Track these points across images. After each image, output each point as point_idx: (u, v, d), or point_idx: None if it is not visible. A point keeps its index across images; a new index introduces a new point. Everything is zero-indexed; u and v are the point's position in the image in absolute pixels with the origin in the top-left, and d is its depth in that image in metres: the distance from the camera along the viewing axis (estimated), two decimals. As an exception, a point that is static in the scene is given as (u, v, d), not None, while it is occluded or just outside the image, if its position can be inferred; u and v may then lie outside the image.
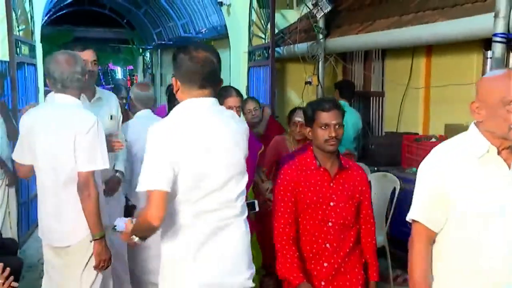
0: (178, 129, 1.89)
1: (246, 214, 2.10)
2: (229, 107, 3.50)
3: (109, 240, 2.59)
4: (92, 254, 2.51)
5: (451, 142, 1.90)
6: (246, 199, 2.17)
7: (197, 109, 1.95)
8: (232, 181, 1.99)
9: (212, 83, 1.97)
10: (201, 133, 1.92)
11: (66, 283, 2.57)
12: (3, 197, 4.29)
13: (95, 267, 2.50)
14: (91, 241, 2.48)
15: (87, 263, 2.53)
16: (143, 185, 1.84)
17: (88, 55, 2.91)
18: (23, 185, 4.90)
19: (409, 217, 1.86)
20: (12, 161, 4.40)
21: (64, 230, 2.54)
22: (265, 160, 3.81)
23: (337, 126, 2.37)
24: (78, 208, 2.45)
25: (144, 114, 3.45)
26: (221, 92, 3.67)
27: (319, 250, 2.36)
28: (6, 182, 4.28)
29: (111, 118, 3.07)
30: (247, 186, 2.19)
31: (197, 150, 1.90)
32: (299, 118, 3.69)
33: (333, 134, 2.34)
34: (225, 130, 1.99)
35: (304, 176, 2.38)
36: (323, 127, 2.35)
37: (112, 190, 3.03)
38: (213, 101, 2.00)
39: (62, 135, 2.44)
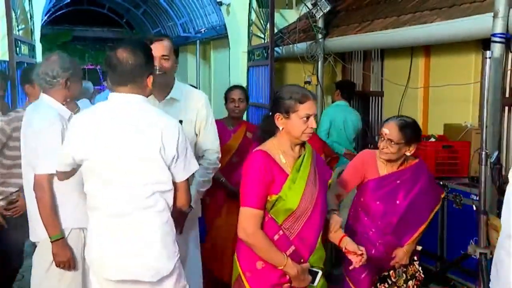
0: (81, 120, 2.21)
1: (158, 208, 2.14)
2: (232, 100, 3.85)
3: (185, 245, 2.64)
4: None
5: None
6: None
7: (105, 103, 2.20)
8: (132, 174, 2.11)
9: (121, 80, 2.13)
10: (98, 126, 2.13)
11: (33, 280, 2.67)
12: None
13: (56, 266, 2.56)
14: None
15: (52, 261, 2.58)
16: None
17: (155, 49, 2.48)
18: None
19: None
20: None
21: (32, 226, 2.68)
22: None
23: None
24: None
25: None
26: (227, 89, 3.99)
27: None
28: None
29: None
30: None
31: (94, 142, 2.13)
32: (238, 95, 3.85)
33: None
34: (124, 124, 2.10)
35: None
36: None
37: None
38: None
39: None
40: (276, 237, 2.16)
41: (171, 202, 2.20)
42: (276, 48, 6.11)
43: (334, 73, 6.43)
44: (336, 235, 2.30)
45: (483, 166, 3.19)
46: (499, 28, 3.46)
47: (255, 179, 2.12)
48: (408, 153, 2.69)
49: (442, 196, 2.86)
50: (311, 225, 2.20)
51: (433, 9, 4.38)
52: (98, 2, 12.39)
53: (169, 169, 2.15)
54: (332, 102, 5.49)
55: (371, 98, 6.00)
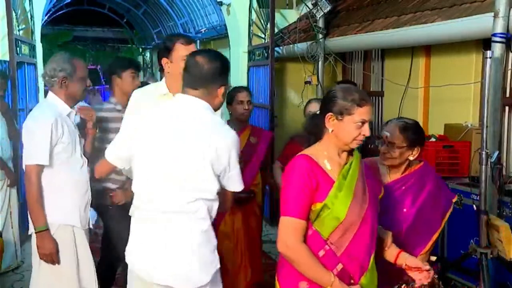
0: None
1: (199, 215, 2.07)
2: (240, 102, 3.68)
3: None
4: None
5: None
6: None
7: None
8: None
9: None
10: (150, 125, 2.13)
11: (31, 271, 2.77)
12: (4, 198, 4.31)
13: (40, 259, 2.64)
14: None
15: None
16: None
17: (188, 51, 2.50)
18: (22, 185, 4.91)
19: None
20: (13, 161, 4.46)
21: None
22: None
23: None
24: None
25: None
26: (232, 90, 3.83)
27: None
28: (8, 183, 4.29)
29: None
30: None
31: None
32: (247, 97, 3.68)
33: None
34: (183, 126, 2.07)
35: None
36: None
37: None
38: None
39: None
40: (321, 252, 1.94)
41: (213, 211, 2.13)
42: (277, 48, 6.11)
43: (334, 73, 6.43)
44: (391, 251, 2.13)
45: (483, 166, 3.19)
46: (499, 28, 3.46)
47: (298, 185, 1.92)
48: (411, 158, 2.48)
49: (454, 200, 2.59)
50: (360, 241, 1.97)
51: (433, 9, 4.38)
52: (99, 2, 12.41)
53: (219, 179, 2.09)
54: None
55: (371, 98, 5.98)
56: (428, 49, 4.96)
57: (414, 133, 2.47)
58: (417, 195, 2.49)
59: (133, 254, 2.16)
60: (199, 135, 2.05)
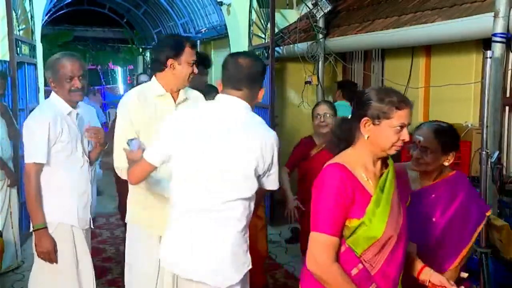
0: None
1: (236, 215, 2.09)
2: None
3: None
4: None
5: None
6: None
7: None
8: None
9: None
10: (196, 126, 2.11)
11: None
12: (4, 198, 4.31)
13: (38, 257, 2.65)
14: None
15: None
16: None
17: (192, 55, 2.57)
18: (22, 185, 4.92)
19: None
20: (14, 162, 4.46)
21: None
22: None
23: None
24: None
25: None
26: None
27: None
28: (8, 183, 4.29)
29: None
30: None
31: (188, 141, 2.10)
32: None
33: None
34: (227, 126, 2.07)
35: None
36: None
37: None
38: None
39: None
40: (354, 271, 1.79)
41: (248, 212, 2.14)
42: (277, 48, 6.11)
43: (334, 73, 6.43)
44: (414, 265, 1.98)
45: (483, 166, 3.19)
46: (499, 28, 3.46)
47: (331, 198, 1.74)
48: (446, 163, 2.30)
49: (488, 214, 2.37)
50: (395, 258, 1.83)
51: (433, 9, 4.38)
52: (99, 2, 12.41)
53: (258, 178, 2.10)
54: (333, 102, 5.49)
55: (371, 98, 5.99)
56: (429, 49, 4.96)
57: (449, 137, 2.31)
58: (448, 205, 2.30)
59: (168, 249, 2.19)
60: (243, 135, 2.08)
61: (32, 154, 2.63)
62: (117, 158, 2.54)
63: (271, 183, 2.20)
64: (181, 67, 2.53)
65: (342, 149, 1.88)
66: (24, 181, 2.66)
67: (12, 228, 4.38)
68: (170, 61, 2.53)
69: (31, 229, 2.71)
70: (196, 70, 2.60)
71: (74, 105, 2.79)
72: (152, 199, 2.56)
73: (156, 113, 2.53)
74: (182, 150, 2.11)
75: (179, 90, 2.61)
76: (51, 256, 2.64)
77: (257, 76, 2.15)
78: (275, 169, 2.16)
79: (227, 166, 2.06)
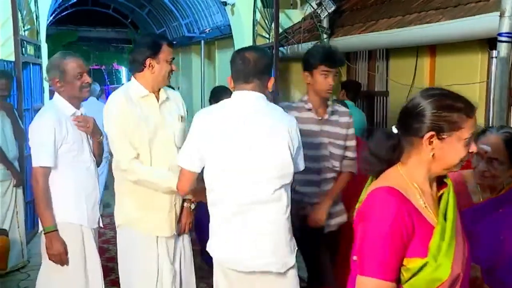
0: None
1: (283, 202, 2.18)
2: None
3: None
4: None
5: None
6: None
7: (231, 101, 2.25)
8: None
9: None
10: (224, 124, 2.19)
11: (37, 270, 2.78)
12: (11, 197, 4.33)
13: (49, 259, 2.64)
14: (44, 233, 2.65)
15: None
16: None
17: (171, 53, 2.63)
18: (28, 184, 4.94)
19: None
20: (19, 162, 4.47)
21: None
22: None
23: None
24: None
25: None
26: None
27: None
28: (14, 183, 4.31)
29: (181, 120, 2.70)
30: None
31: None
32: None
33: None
34: (252, 119, 2.16)
35: None
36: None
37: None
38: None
39: None
40: None
41: (289, 198, 2.23)
42: (281, 48, 6.11)
43: (339, 73, 6.42)
44: None
45: (489, 166, 3.17)
46: (505, 27, 3.45)
47: (385, 233, 1.39)
48: None
49: None
50: None
51: (438, 9, 4.37)
52: (103, 3, 12.42)
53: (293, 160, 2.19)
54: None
55: (376, 98, 5.99)
56: (433, 48, 4.94)
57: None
58: None
59: (224, 249, 2.22)
60: (270, 123, 2.17)
61: (39, 157, 2.62)
62: (123, 159, 2.51)
63: (301, 163, 2.30)
64: (159, 66, 2.54)
65: (382, 170, 1.54)
66: (33, 185, 2.65)
67: (18, 227, 4.41)
68: (148, 61, 2.54)
69: (41, 230, 2.72)
70: (175, 68, 2.64)
71: (77, 105, 2.79)
72: (157, 200, 2.57)
73: (142, 113, 2.54)
74: (217, 151, 2.17)
75: (160, 89, 2.63)
76: (62, 258, 2.64)
77: (264, 67, 2.23)
78: (301, 150, 2.28)
79: (266, 156, 2.14)
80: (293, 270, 2.25)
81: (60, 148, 2.65)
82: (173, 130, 2.62)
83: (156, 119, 2.58)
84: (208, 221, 2.28)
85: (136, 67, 2.58)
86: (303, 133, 2.37)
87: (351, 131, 2.90)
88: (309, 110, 2.83)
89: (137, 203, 2.59)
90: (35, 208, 2.94)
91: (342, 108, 2.98)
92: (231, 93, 2.30)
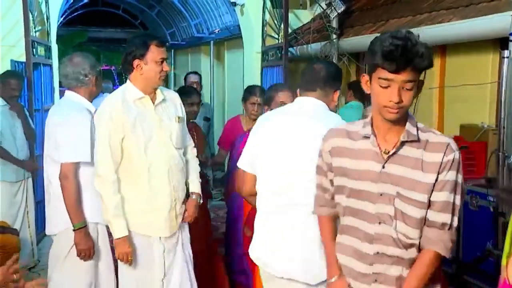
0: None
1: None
2: (252, 103, 3.93)
3: None
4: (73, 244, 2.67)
5: None
6: None
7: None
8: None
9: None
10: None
11: (49, 271, 2.78)
12: (22, 197, 4.37)
13: (77, 256, 2.65)
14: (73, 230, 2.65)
15: (67, 253, 2.70)
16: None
17: (164, 53, 2.61)
18: (39, 184, 4.97)
19: None
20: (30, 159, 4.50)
21: (49, 219, 2.82)
22: (222, 142, 4.09)
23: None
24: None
25: None
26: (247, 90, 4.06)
27: None
28: (26, 184, 4.36)
29: (178, 121, 2.69)
30: None
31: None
32: (257, 98, 3.86)
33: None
34: (305, 123, 2.19)
35: None
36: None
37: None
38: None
39: None
40: None
41: None
42: (290, 49, 6.09)
43: (348, 73, 6.39)
44: None
45: (500, 167, 3.15)
46: (517, 27, 3.41)
47: None
48: None
49: None
50: None
51: (449, 9, 4.34)
52: (113, 3, 12.49)
53: None
54: (346, 103, 5.47)
55: (385, 98, 5.95)
56: (444, 48, 4.91)
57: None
58: None
59: (258, 248, 2.25)
60: (325, 131, 2.09)
61: (75, 153, 2.61)
62: (102, 164, 2.49)
63: None
64: (147, 67, 2.50)
65: None
66: (62, 182, 2.63)
67: (29, 227, 4.44)
68: (136, 62, 2.51)
69: (48, 232, 2.75)
70: (167, 68, 2.57)
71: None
72: (158, 201, 2.58)
73: (138, 115, 2.53)
74: (267, 152, 2.23)
75: (155, 90, 2.61)
76: (91, 252, 2.69)
77: (328, 78, 2.27)
78: None
79: (310, 160, 2.07)
80: (324, 285, 2.09)
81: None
82: (170, 131, 2.61)
83: (152, 120, 2.56)
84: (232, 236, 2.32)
85: (126, 69, 2.58)
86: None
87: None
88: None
89: (137, 204, 2.58)
90: (44, 208, 2.95)
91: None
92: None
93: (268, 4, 6.11)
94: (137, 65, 2.51)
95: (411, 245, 1.66)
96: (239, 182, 2.41)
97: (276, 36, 6.05)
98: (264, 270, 2.25)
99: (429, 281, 1.68)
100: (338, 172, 1.78)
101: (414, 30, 4.97)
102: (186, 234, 2.78)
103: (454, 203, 1.65)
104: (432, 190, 1.63)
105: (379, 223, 1.68)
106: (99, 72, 2.84)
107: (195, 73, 5.90)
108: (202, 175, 3.48)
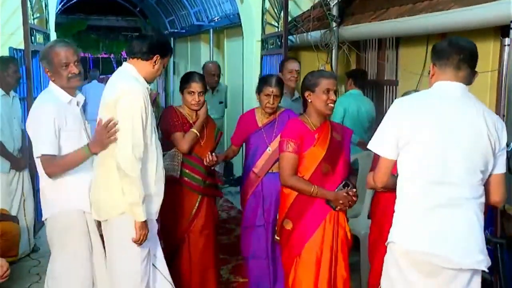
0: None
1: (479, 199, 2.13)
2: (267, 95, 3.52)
3: None
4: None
5: None
6: None
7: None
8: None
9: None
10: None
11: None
12: (17, 186, 4.36)
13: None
14: None
15: (57, 238, 2.74)
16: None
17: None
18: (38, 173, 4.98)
19: None
20: (26, 152, 4.48)
21: (43, 205, 2.83)
22: (235, 137, 3.71)
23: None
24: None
25: None
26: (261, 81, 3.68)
27: None
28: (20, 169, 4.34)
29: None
30: None
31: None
32: (273, 88, 3.47)
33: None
34: (456, 110, 2.13)
35: None
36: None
37: None
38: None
39: None
40: None
41: None
42: (290, 37, 6.07)
43: (348, 61, 6.37)
44: None
45: (499, 156, 3.14)
46: (518, 15, 3.39)
47: None
48: None
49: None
50: None
51: (449, -4, 4.31)
52: (112, -9, 12.41)
53: (494, 158, 2.14)
54: (345, 91, 5.46)
55: (385, 87, 5.95)
56: (444, 36, 4.88)
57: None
58: None
59: (422, 241, 2.13)
60: (479, 117, 2.13)
61: (42, 146, 2.62)
62: (139, 146, 2.53)
63: (501, 166, 2.19)
64: (159, 66, 2.71)
65: None
66: (46, 170, 2.65)
67: (25, 216, 4.44)
68: (156, 57, 2.69)
69: (45, 219, 2.76)
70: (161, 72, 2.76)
71: (73, 92, 2.79)
72: (160, 186, 2.71)
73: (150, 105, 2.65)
74: (423, 139, 2.11)
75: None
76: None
77: (475, 59, 2.19)
78: (504, 151, 2.18)
79: (469, 149, 2.08)
80: (479, 275, 2.20)
81: (61, 136, 2.66)
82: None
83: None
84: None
85: (142, 55, 2.63)
86: None
87: None
88: None
89: (152, 194, 2.67)
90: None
91: None
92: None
93: (268, -8, 6.07)
94: (155, 60, 2.68)
95: None
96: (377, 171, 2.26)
97: (276, 24, 6.02)
98: (430, 263, 2.12)
99: None
100: None
101: (415, 18, 4.95)
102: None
103: None
104: None
105: None
106: (49, 63, 2.73)
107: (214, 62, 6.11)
108: (213, 173, 3.50)
